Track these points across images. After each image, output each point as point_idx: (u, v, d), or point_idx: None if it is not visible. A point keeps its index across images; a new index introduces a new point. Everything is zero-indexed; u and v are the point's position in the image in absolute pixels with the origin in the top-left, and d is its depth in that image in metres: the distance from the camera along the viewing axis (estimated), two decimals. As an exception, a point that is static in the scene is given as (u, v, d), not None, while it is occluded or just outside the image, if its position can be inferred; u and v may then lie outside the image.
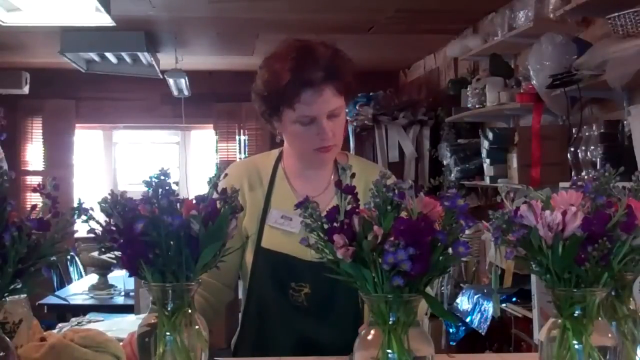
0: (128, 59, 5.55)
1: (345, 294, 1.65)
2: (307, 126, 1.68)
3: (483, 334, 3.56)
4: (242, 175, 1.78)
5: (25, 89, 6.51)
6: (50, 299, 4.01)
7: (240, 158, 7.18)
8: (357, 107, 5.70)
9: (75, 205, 1.10)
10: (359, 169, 1.47)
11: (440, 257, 1.06)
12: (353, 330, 1.25)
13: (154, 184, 1.10)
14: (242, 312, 1.79)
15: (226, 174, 1.17)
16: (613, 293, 1.19)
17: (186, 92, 6.33)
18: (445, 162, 5.01)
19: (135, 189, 1.16)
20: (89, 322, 2.86)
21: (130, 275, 1.16)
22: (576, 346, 1.07)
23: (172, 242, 1.09)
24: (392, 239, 1.02)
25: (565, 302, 1.08)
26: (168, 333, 1.12)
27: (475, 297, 3.71)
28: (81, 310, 3.91)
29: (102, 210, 1.11)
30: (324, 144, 1.70)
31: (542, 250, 1.07)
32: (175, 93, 6.36)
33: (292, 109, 1.66)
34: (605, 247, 1.03)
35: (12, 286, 1.07)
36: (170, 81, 5.95)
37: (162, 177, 1.11)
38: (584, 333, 1.07)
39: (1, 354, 1.08)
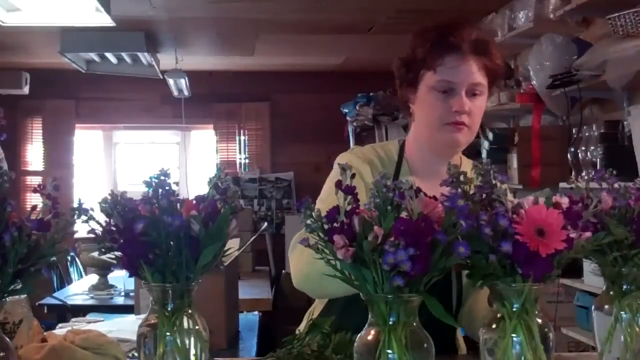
0: (128, 59, 5.55)
1: None
2: (443, 94, 1.60)
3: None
4: (372, 156, 1.69)
5: (25, 89, 6.50)
6: (51, 299, 4.01)
7: (240, 158, 7.16)
8: (357, 107, 5.70)
9: (75, 205, 1.10)
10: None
11: (441, 257, 1.06)
12: None
13: (154, 184, 1.10)
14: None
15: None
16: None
17: (186, 92, 6.32)
18: (445, 162, 4.99)
19: (135, 189, 1.16)
20: (89, 322, 2.86)
21: (130, 276, 1.16)
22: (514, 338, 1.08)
23: (172, 243, 1.09)
24: (392, 239, 1.02)
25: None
26: (168, 333, 1.12)
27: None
28: (81, 310, 3.90)
29: (102, 210, 1.11)
30: (456, 117, 1.59)
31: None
32: (175, 93, 6.36)
33: (434, 70, 1.60)
34: None
35: (12, 286, 1.07)
36: (170, 81, 5.95)
37: (162, 178, 1.11)
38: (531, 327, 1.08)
39: (1, 354, 1.08)
